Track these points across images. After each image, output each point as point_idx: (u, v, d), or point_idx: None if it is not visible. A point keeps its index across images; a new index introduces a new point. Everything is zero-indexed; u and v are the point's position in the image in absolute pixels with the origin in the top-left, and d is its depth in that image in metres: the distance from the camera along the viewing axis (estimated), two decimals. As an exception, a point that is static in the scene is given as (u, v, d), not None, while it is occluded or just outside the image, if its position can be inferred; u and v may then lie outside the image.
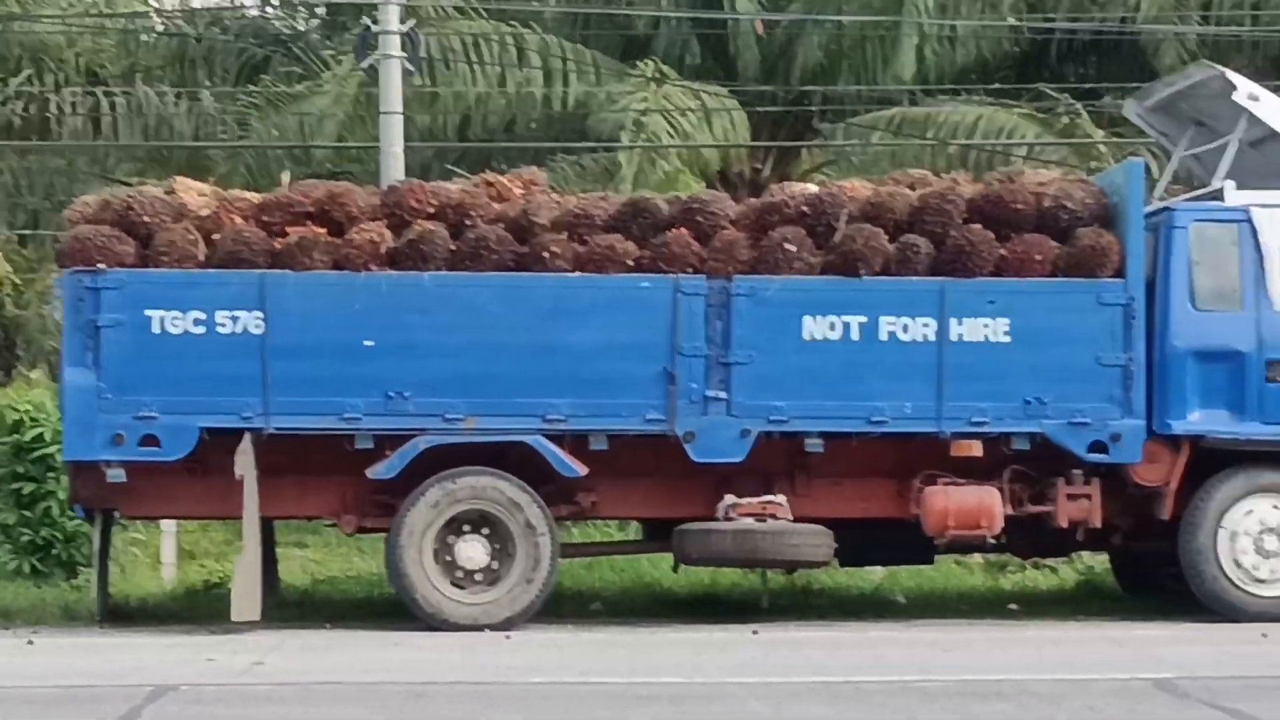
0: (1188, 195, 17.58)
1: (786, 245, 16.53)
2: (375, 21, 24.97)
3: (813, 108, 27.68)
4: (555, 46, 26.82)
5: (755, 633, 15.75)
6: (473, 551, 16.23)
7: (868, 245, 16.44)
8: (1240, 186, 17.10)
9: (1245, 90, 17.72)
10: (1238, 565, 16.33)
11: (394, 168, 22.83)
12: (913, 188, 17.47)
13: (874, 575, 18.58)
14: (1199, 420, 16.53)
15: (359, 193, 17.49)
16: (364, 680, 12.34)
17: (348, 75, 26.16)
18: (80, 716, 10.21)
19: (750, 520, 16.31)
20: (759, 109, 27.02)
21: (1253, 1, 28.65)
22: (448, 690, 11.73)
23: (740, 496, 16.36)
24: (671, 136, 25.36)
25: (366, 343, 16.25)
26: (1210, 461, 16.54)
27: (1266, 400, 16.50)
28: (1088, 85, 26.10)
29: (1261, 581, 16.35)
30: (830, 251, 16.55)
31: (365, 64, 25.20)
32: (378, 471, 16.22)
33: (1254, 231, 16.63)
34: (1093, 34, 27.34)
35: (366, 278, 16.35)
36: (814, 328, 16.36)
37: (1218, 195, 17.14)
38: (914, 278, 16.42)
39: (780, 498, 16.38)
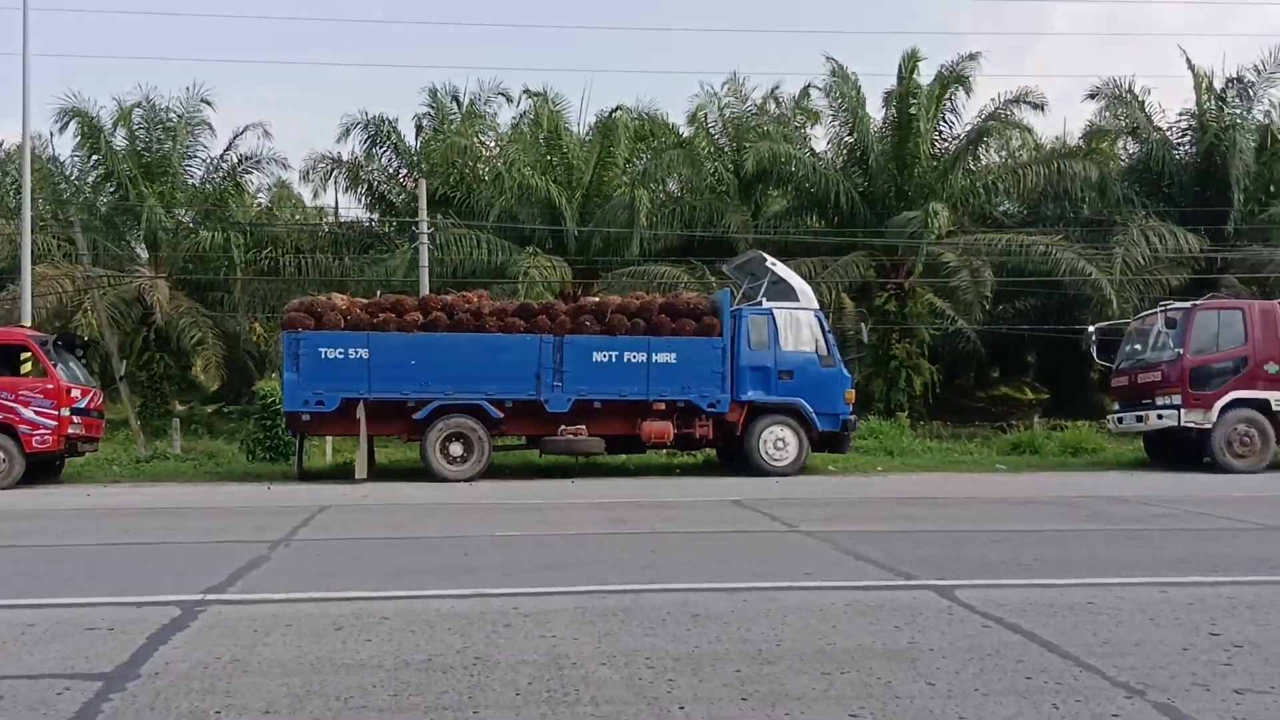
0: (749, 304, 17.98)
1: (586, 322, 16.80)
2: (416, 225, 25.03)
3: (598, 263, 27.77)
4: (493, 240, 26.77)
5: (573, 482, 15.83)
6: (456, 449, 16.31)
7: (619, 322, 16.75)
8: (769, 300, 17.63)
9: (769, 260, 18.31)
10: (767, 453, 16.76)
11: (423, 290, 22.82)
12: (638, 299, 17.79)
13: (621, 458, 18.67)
14: (753, 394, 16.94)
15: (409, 299, 17.55)
16: (415, 501, 12.40)
17: (405, 249, 26.09)
18: (290, 515, 10.18)
19: (571, 435, 16.57)
20: (576, 265, 27.11)
21: (790, 221, 29.26)
22: (450, 506, 11.78)
23: (568, 425, 16.59)
24: (540, 276, 25.46)
25: (412, 362, 16.31)
26: (757, 410, 16.95)
27: (779, 386, 16.97)
28: (710, 258, 26.34)
29: (777, 460, 16.79)
30: (604, 325, 16.82)
31: (412, 245, 25.24)
32: (418, 415, 16.30)
33: (774, 319, 17.13)
34: (713, 236, 27.62)
35: (412, 335, 16.42)
36: (598, 356, 16.58)
37: (759, 304, 17.64)
38: (638, 336, 16.72)
39: (582, 426, 16.61)
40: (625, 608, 5.25)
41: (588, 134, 30.39)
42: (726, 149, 30.70)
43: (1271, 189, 28.13)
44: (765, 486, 14.06)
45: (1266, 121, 28.11)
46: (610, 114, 29.59)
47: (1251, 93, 27.99)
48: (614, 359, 16.64)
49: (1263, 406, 17.20)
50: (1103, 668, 4.04)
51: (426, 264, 24.35)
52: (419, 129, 30.98)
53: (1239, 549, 7.54)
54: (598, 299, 18.97)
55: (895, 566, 6.55)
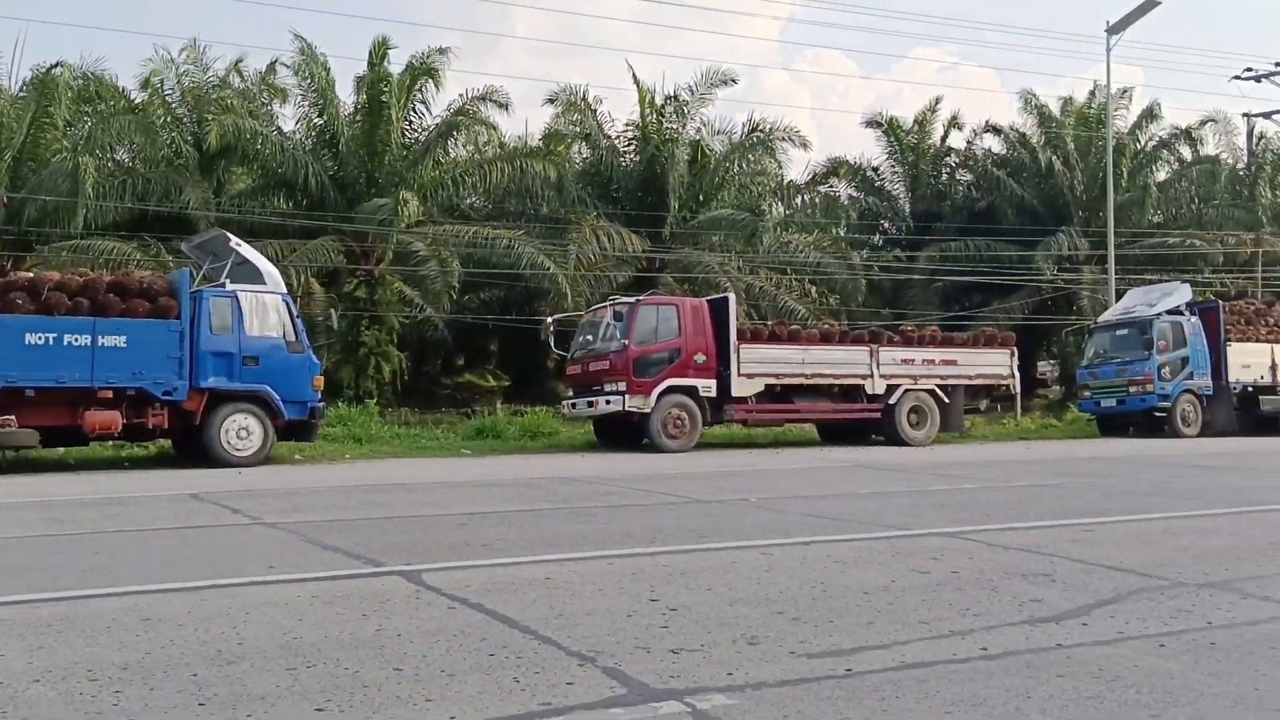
0: (211, 286, 16.95)
1: (18, 300, 15.02)
2: None
3: (32, 235, 24.82)
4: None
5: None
6: None
7: (57, 301, 15.17)
8: (233, 282, 16.79)
9: (234, 241, 17.51)
10: (229, 443, 15.96)
11: None
12: (81, 275, 16.24)
13: (59, 451, 16.93)
14: (214, 381, 16.03)
15: None
16: None
17: None
18: None
19: (-3, 426, 14.74)
20: (6, 237, 24.04)
21: (255, 201, 27.96)
22: None
23: (-7, 417, 14.71)
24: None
25: None
26: (218, 398, 16.06)
27: (244, 373, 16.21)
28: (166, 235, 24.56)
29: (240, 451, 16.01)
30: (39, 304, 15.12)
31: None
32: None
33: (238, 302, 16.38)
34: (170, 212, 25.79)
35: None
36: (32, 339, 14.88)
37: (222, 286, 16.75)
38: (82, 317, 15.23)
39: (11, 417, 14.80)
40: (63, 617, 4.75)
41: (20, 90, 27.09)
42: (186, 120, 28.82)
43: (701, 198, 31.49)
44: (227, 478, 13.39)
45: (698, 137, 31.46)
46: (49, 70, 26.56)
47: (686, 110, 31.16)
48: (51, 342, 14.99)
49: (692, 392, 19.26)
50: (559, 639, 4.27)
51: None
52: None
53: (674, 520, 8.36)
54: (32, 274, 17.02)
55: (363, 554, 6.50)
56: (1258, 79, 35.33)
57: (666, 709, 3.36)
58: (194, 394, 15.93)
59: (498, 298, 30.57)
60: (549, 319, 22.27)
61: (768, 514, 8.79)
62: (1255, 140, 40.02)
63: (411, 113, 28.31)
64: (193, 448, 16.53)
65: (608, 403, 19.08)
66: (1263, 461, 15.06)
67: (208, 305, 16.26)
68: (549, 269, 26.22)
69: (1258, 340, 24.90)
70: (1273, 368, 24.76)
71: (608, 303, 20.85)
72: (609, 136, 31.87)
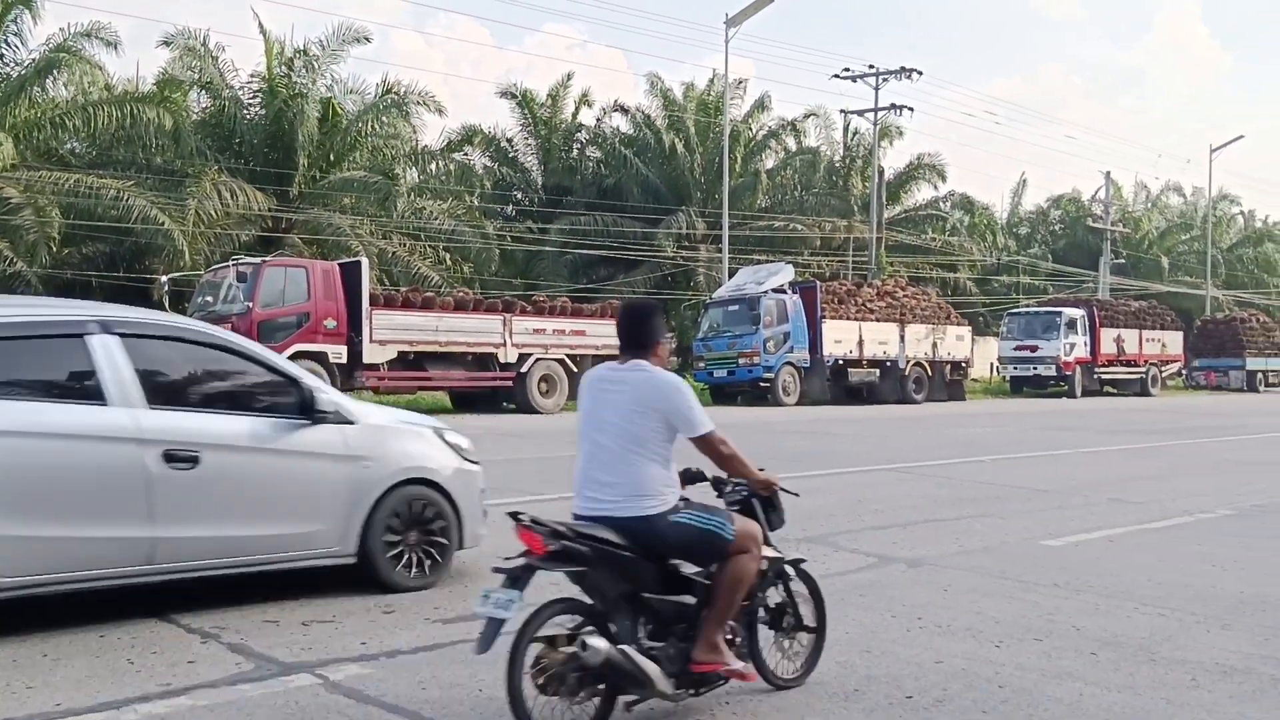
0: None
1: None
2: None
3: None
4: None
5: None
6: None
7: None
8: None
9: None
10: None
11: None
12: None
13: None
14: None
15: None
16: None
17: None
18: None
19: None
20: None
21: None
22: None
23: None
24: None
25: None
26: None
27: None
28: None
29: None
30: None
31: None
32: None
33: None
34: None
35: None
36: None
37: None
38: None
39: None
40: None
41: None
42: None
43: (332, 158, 30.45)
44: None
45: (330, 95, 30.33)
46: None
47: (317, 66, 29.94)
48: None
49: (321, 358, 18.63)
50: (177, 618, 4.03)
51: None
52: None
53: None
54: None
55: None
56: (854, 79, 38.61)
57: (298, 681, 3.28)
58: None
59: (103, 253, 28.06)
60: (164, 278, 20.74)
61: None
62: (850, 135, 44.03)
63: (4, 45, 25.43)
64: None
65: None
66: (849, 428, 16.70)
67: None
68: (163, 224, 24.43)
69: (848, 318, 27.51)
70: (860, 343, 27.46)
71: (230, 262, 19.73)
72: (232, 87, 30.08)
